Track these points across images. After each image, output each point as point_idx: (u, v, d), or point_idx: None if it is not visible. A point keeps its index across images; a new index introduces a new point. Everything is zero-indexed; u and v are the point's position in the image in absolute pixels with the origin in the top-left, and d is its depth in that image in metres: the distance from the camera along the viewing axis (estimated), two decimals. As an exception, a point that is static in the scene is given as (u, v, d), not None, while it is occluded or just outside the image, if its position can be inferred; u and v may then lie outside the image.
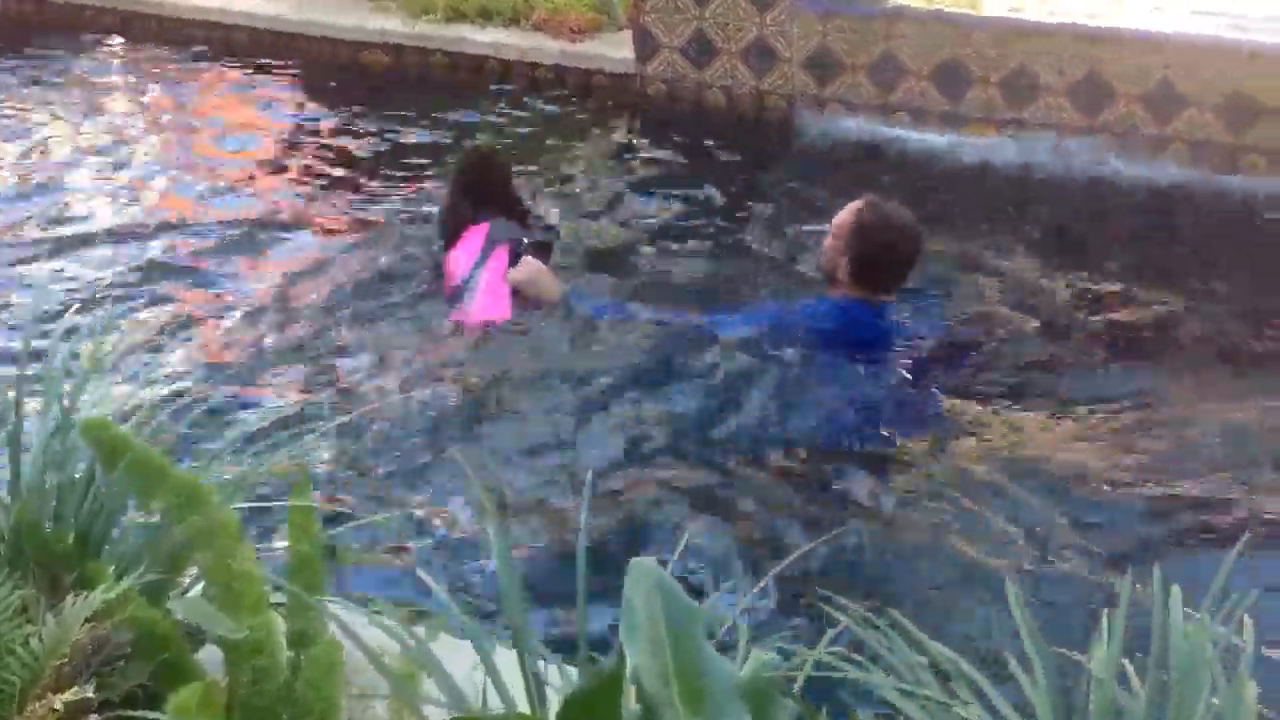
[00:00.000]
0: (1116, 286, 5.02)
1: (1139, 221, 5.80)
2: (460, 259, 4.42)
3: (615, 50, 7.39)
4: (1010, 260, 5.22)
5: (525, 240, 4.49)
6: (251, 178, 6.07)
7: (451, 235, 4.52)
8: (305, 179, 6.07)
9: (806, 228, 5.44)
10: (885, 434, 3.75)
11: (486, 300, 4.30)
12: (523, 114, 7.07)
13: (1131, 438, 3.71)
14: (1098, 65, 6.22)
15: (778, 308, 4.25)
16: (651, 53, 7.12)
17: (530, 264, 4.33)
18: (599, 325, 4.22)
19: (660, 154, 6.58)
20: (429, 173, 6.10)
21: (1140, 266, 5.25)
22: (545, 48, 7.56)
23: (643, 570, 1.52)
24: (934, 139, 6.49)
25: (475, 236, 4.44)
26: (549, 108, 7.18)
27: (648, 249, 5.29)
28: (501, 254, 4.38)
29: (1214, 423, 3.74)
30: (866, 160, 6.44)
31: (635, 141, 6.88)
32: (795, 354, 3.95)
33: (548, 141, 6.75)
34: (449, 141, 6.55)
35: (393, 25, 7.86)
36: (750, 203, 5.90)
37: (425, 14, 7.87)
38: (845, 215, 3.94)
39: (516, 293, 4.31)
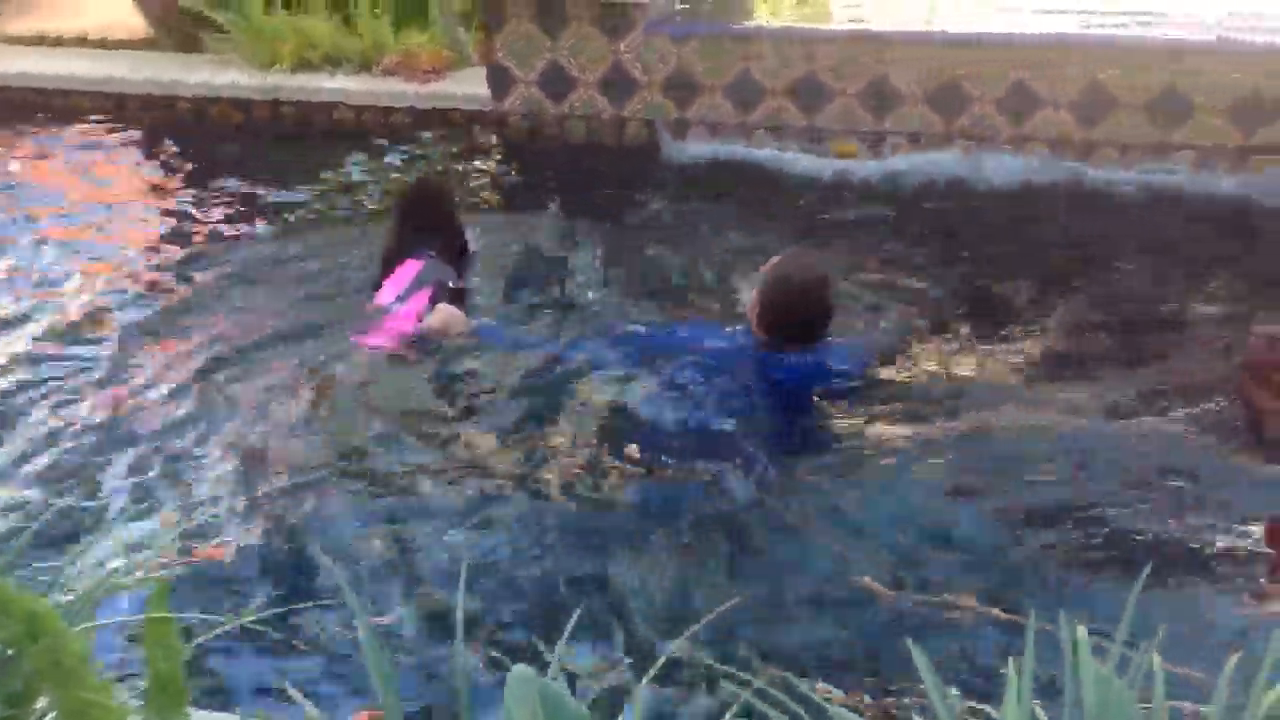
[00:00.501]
0: (995, 290, 5.04)
1: (1005, 222, 5.84)
2: (387, 292, 4.45)
3: (470, 88, 7.25)
4: (885, 273, 5.21)
5: (450, 284, 4.49)
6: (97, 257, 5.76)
7: (385, 267, 4.54)
8: (156, 248, 5.80)
9: (673, 249, 5.43)
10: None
11: (386, 330, 4.33)
12: (381, 160, 6.89)
13: (1020, 453, 3.68)
14: (952, 71, 6.26)
15: (685, 333, 4.18)
16: (507, 88, 7.00)
17: (442, 311, 4.31)
18: (499, 358, 4.23)
19: (524, 188, 6.46)
20: (289, 224, 5.89)
21: (1015, 268, 5.28)
22: (399, 91, 7.39)
23: (522, 680, 1.40)
24: (796, 156, 6.47)
25: (406, 272, 4.47)
26: (406, 151, 7.01)
27: (525, 284, 5.16)
28: (422, 297, 4.38)
29: (1102, 433, 3.73)
30: (732, 180, 6.41)
31: (498, 178, 6.74)
32: (691, 382, 3.86)
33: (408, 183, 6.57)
34: (306, 195, 6.33)
35: (241, 79, 7.62)
36: (617, 229, 5.79)
37: (273, 65, 7.64)
38: (767, 265, 3.91)
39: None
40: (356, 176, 6.55)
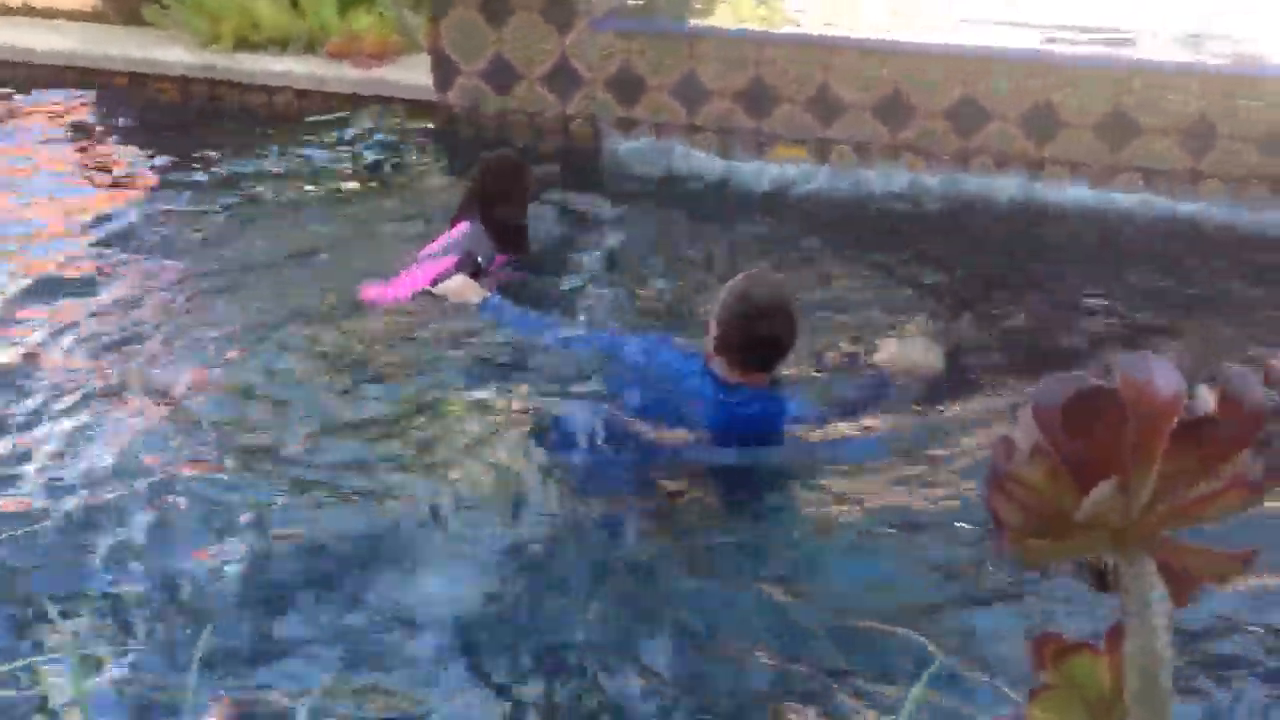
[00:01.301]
0: (938, 301, 4.92)
1: (954, 236, 5.70)
2: (430, 246, 4.67)
3: (416, 76, 7.08)
4: (829, 287, 5.07)
5: (479, 258, 4.59)
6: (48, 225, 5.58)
7: (453, 222, 4.78)
8: (99, 224, 5.58)
9: (609, 251, 5.28)
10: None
11: (395, 286, 4.49)
12: (319, 145, 6.70)
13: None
14: (897, 80, 6.12)
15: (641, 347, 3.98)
16: (451, 79, 6.83)
17: (457, 280, 4.37)
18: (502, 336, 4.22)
19: (455, 183, 6.29)
20: (227, 207, 5.71)
21: (958, 281, 5.19)
22: (343, 76, 7.22)
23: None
24: (741, 160, 6.32)
25: (452, 234, 4.69)
26: (347, 137, 6.82)
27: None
28: (449, 262, 4.50)
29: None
30: (674, 182, 6.25)
31: (429, 170, 6.57)
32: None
33: (345, 171, 6.39)
34: (247, 176, 6.14)
35: (185, 56, 7.42)
36: (548, 228, 5.61)
37: (214, 42, 7.45)
38: (727, 285, 3.70)
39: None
40: (285, 160, 6.36)
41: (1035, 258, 5.54)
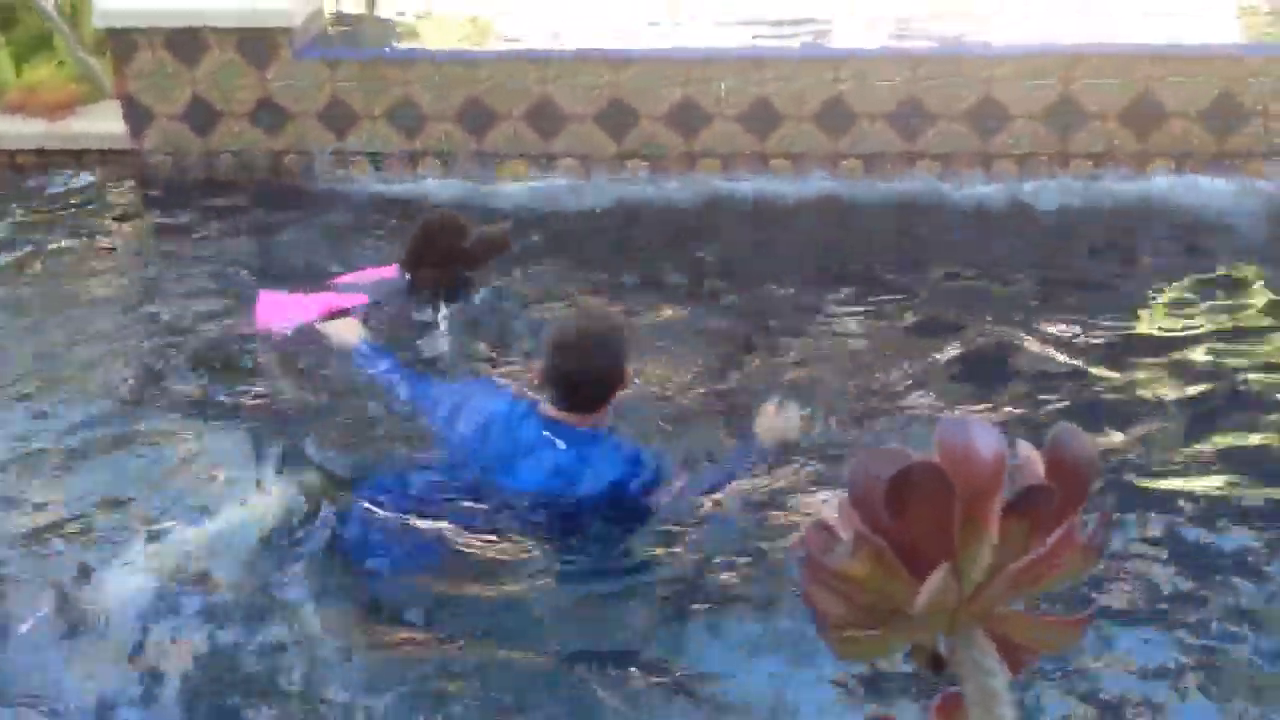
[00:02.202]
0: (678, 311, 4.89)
1: (695, 239, 5.69)
2: (350, 276, 4.73)
3: (107, 125, 6.58)
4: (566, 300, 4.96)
5: (382, 304, 4.51)
6: None
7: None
8: None
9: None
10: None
11: (292, 304, 4.46)
12: (8, 208, 6.14)
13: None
14: (617, 90, 6.07)
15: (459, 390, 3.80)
16: (146, 124, 6.38)
17: (340, 323, 4.28)
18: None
19: (159, 233, 5.90)
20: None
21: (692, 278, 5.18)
22: (24, 131, 6.65)
23: None
24: (467, 182, 6.14)
25: (380, 272, 4.71)
26: (38, 196, 6.28)
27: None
28: (351, 301, 4.47)
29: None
30: (394, 212, 5.99)
31: (129, 223, 6.12)
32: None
33: (44, 234, 5.86)
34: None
35: None
36: (275, 271, 5.29)
37: None
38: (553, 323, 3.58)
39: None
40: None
41: (764, 252, 5.59)
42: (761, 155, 6.11)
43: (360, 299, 4.50)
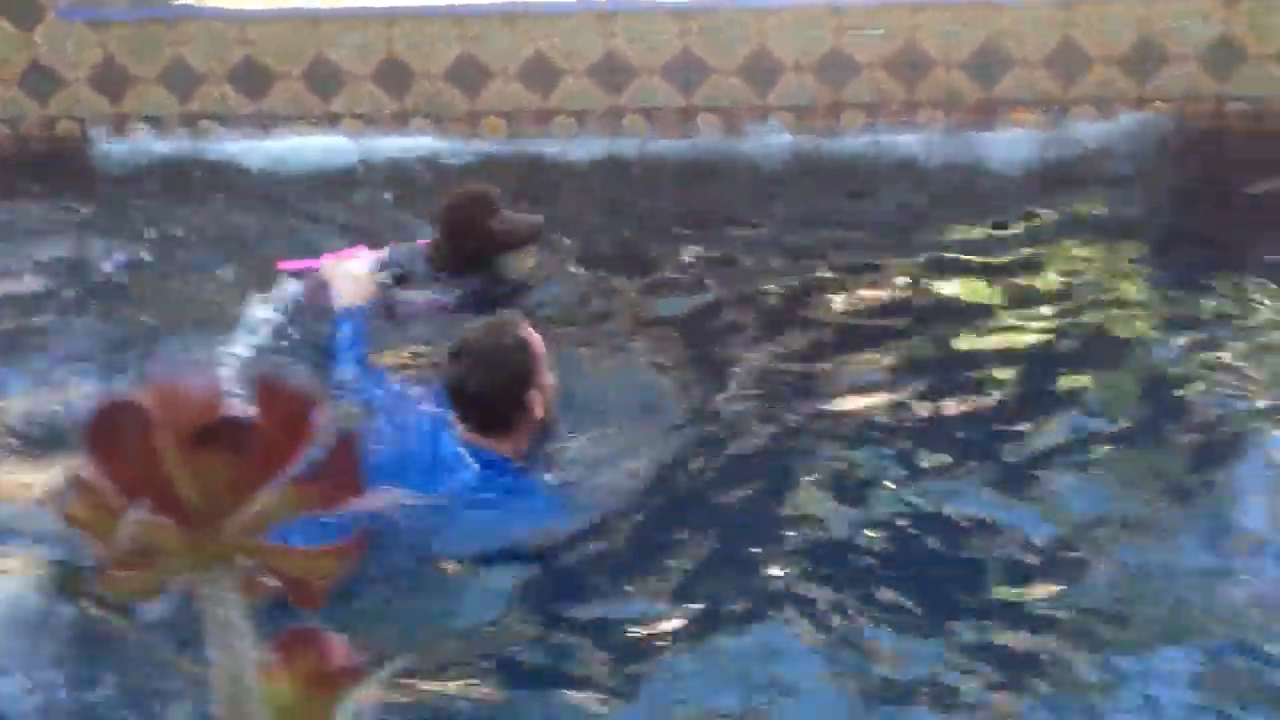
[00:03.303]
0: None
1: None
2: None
3: None
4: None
5: (401, 269, 4.29)
6: None
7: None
8: None
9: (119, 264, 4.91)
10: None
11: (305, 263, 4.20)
12: None
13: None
14: (396, 45, 6.01)
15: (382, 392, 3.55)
16: (-95, 93, 6.15)
17: (356, 278, 3.90)
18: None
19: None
20: None
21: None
22: None
23: None
24: (238, 145, 6.03)
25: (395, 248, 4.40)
26: None
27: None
28: (373, 255, 4.12)
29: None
30: (176, 177, 5.88)
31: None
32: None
33: None
34: None
35: None
36: (51, 249, 5.14)
37: None
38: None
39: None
40: None
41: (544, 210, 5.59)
42: (544, 112, 6.10)
43: (376, 255, 4.20)
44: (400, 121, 6.10)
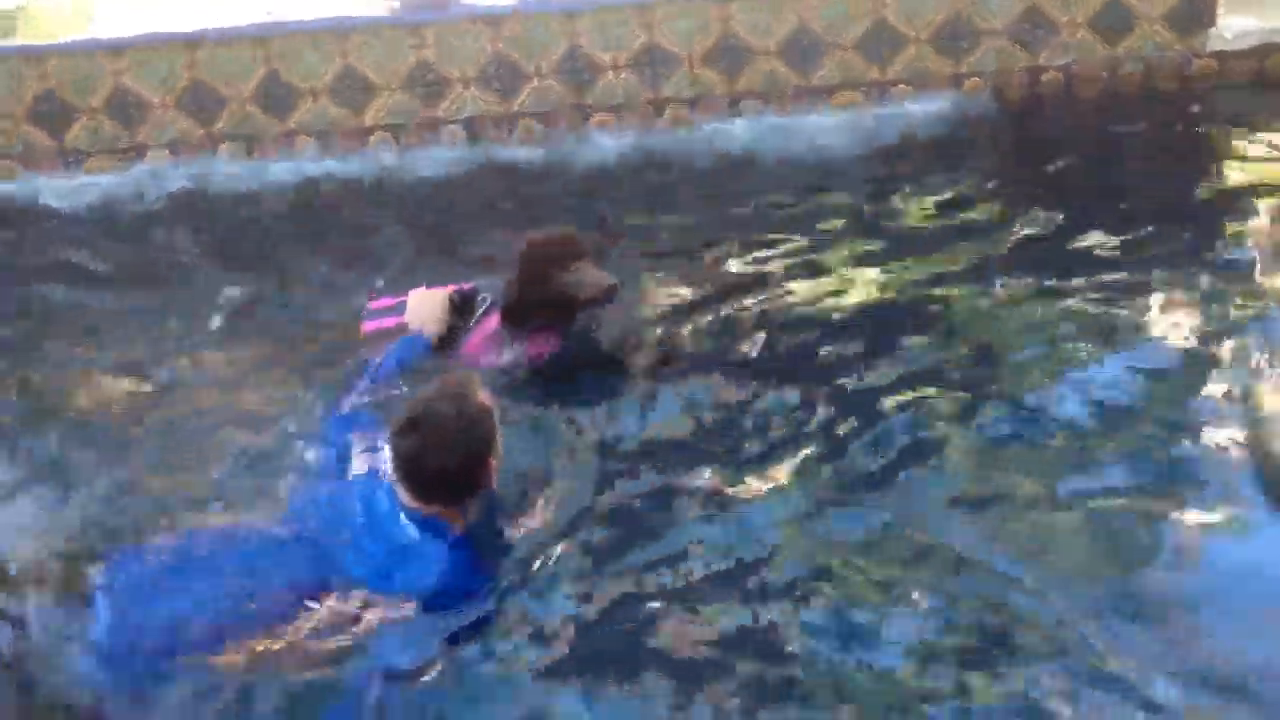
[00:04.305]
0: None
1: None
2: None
3: None
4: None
5: (485, 299, 3.83)
6: None
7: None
8: None
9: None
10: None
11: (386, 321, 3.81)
12: None
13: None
14: (199, 72, 5.84)
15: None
16: None
17: (432, 307, 3.70)
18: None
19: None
20: None
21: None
22: None
23: None
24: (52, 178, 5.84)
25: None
26: None
27: None
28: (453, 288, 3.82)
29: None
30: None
31: None
32: None
33: None
34: None
35: None
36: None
37: None
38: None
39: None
40: None
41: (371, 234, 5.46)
42: (360, 130, 5.96)
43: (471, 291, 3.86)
44: (209, 145, 5.92)
